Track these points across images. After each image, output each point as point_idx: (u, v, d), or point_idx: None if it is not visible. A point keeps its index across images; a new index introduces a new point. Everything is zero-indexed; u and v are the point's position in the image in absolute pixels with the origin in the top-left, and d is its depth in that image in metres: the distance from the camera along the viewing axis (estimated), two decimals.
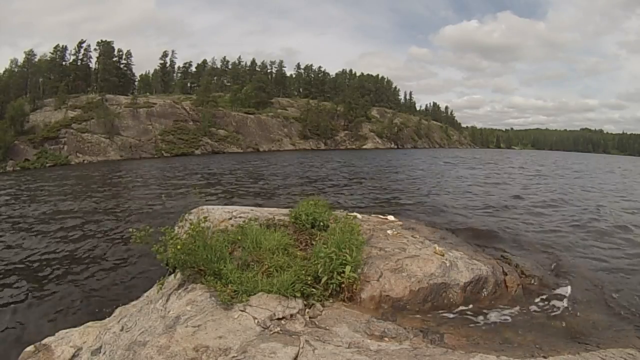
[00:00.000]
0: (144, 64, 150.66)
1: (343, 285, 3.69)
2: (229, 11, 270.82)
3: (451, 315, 3.81)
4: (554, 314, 4.01)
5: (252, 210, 5.65)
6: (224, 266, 3.69)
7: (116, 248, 8.28)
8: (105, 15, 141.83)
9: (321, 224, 4.99)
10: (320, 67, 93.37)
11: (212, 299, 3.35)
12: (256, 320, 3.06)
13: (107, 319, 4.02)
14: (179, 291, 3.68)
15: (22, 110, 44.18)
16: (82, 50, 63.28)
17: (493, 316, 3.89)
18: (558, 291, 4.59)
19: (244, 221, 4.81)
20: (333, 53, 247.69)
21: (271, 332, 2.95)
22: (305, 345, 2.76)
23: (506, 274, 4.71)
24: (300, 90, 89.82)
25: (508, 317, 3.88)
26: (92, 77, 63.62)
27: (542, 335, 3.47)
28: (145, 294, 4.41)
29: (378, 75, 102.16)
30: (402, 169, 27.35)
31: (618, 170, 32.30)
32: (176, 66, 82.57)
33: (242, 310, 3.18)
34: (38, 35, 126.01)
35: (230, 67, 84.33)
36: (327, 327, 3.16)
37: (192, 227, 3.79)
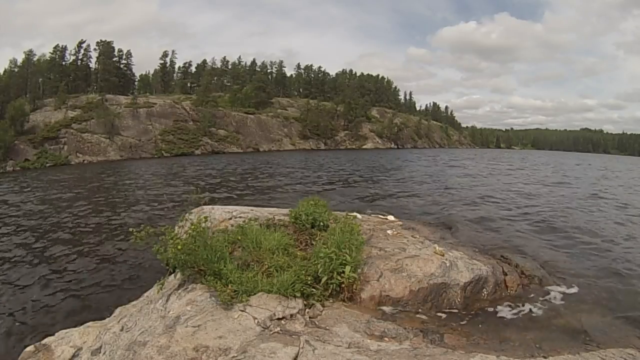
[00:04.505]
0: (144, 64, 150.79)
1: (343, 285, 3.69)
2: (230, 12, 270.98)
3: (451, 315, 3.81)
4: (554, 313, 4.00)
5: (252, 210, 5.65)
6: (224, 266, 3.68)
7: (116, 248, 8.29)
8: (108, 17, 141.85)
9: (321, 224, 4.98)
10: (320, 67, 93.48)
11: (212, 299, 3.35)
12: (256, 320, 3.06)
13: (107, 319, 4.02)
14: (179, 291, 3.68)
15: (22, 110, 44.09)
16: (82, 50, 63.28)
17: (493, 316, 3.89)
18: (558, 291, 4.59)
19: (244, 221, 4.81)
20: (333, 53, 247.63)
21: (271, 332, 2.95)
22: (305, 345, 2.76)
23: (506, 274, 4.71)
24: (300, 90, 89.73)
25: (508, 317, 3.88)
26: (92, 77, 63.58)
27: (542, 335, 3.47)
28: (145, 294, 4.41)
29: (378, 75, 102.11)
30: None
31: None
32: (176, 66, 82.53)
33: (242, 310, 3.18)
34: (41, 37, 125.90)
35: (230, 67, 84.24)
36: (327, 327, 3.16)
37: (193, 227, 3.79)
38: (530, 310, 4.05)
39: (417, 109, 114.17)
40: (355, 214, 6.16)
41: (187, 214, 5.22)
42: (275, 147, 63.40)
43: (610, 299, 4.51)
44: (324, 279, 3.64)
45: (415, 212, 9.87)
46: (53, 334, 3.69)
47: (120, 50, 68.37)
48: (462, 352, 2.86)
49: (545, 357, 2.89)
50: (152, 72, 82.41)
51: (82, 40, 63.30)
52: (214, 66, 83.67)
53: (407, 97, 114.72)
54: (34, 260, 7.71)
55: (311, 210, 5.08)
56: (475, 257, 5.00)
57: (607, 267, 5.73)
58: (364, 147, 74.09)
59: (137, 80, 76.37)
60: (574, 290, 4.68)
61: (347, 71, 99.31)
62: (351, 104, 77.49)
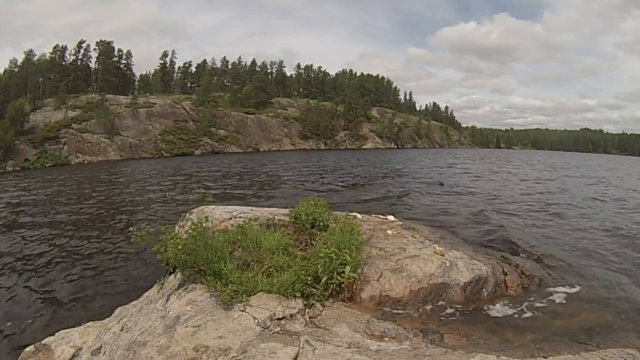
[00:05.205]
0: (144, 64, 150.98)
1: (343, 285, 3.69)
2: (230, 12, 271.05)
3: (451, 316, 3.81)
4: (554, 314, 4.00)
5: (252, 210, 5.65)
6: (224, 266, 3.68)
7: (116, 248, 8.28)
8: (108, 18, 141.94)
9: (321, 224, 4.98)
10: (320, 67, 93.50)
11: (212, 299, 3.35)
12: (256, 320, 3.05)
13: (107, 319, 4.02)
14: (179, 291, 3.68)
15: (22, 110, 44.14)
16: (82, 50, 63.32)
17: (493, 316, 3.89)
18: (558, 291, 4.59)
19: (244, 221, 4.81)
20: (333, 53, 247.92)
21: (271, 332, 2.95)
22: (305, 345, 2.76)
23: (506, 274, 4.70)
24: (300, 90, 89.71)
25: (508, 317, 3.88)
26: (92, 77, 63.62)
27: (542, 335, 3.47)
28: (145, 294, 4.41)
29: (378, 75, 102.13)
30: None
31: None
32: (176, 66, 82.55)
33: (242, 310, 3.18)
34: (41, 37, 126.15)
35: (230, 67, 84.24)
36: (327, 327, 3.16)
37: (194, 227, 3.78)
38: (530, 310, 4.05)
39: (417, 109, 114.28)
40: (355, 214, 6.16)
41: (188, 214, 5.22)
42: (275, 147, 63.40)
43: (610, 299, 4.51)
44: (324, 279, 3.64)
45: (415, 212, 9.87)
46: (53, 334, 3.68)
47: (120, 50, 68.52)
48: (462, 352, 2.86)
49: (545, 357, 2.88)
50: (152, 72, 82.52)
51: (82, 40, 63.43)
52: (214, 66, 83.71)
53: (407, 97, 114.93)
54: (34, 260, 7.71)
55: (311, 210, 5.08)
56: (475, 257, 4.99)
57: (607, 268, 5.73)
58: (364, 147, 74.09)
59: (137, 80, 76.44)
60: (574, 290, 4.68)
61: (347, 71, 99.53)
62: (351, 104, 77.49)
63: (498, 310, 4.01)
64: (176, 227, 4.84)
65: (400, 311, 3.74)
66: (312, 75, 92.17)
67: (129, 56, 70.06)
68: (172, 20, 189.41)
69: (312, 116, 71.31)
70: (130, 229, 3.91)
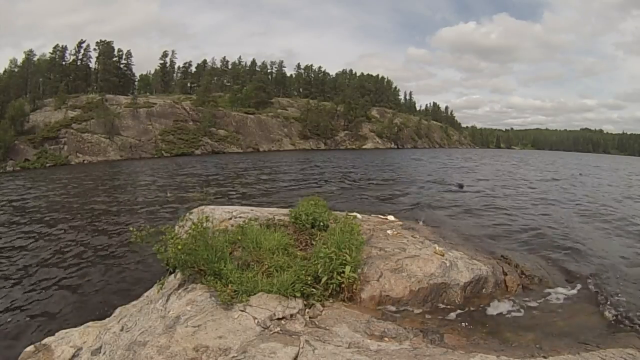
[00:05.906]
0: (144, 64, 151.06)
1: (343, 285, 3.69)
2: (230, 12, 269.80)
3: (451, 315, 3.81)
4: (553, 314, 4.01)
5: (252, 210, 5.66)
6: (224, 266, 3.68)
7: (116, 248, 8.29)
8: (109, 18, 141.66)
9: (321, 224, 4.99)
10: (320, 67, 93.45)
11: (212, 299, 3.35)
12: (256, 320, 3.06)
13: (107, 319, 4.02)
14: (179, 291, 3.68)
15: (22, 110, 44.15)
16: (82, 50, 63.36)
17: (493, 316, 3.89)
18: (558, 291, 4.59)
19: (244, 221, 4.81)
20: (333, 53, 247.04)
21: (271, 332, 2.95)
22: (305, 345, 2.76)
23: (506, 274, 4.71)
24: (300, 90, 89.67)
25: (508, 317, 3.88)
26: (92, 77, 63.62)
27: (542, 335, 3.47)
28: (145, 294, 4.41)
29: (378, 75, 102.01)
30: None
31: None
32: (176, 66, 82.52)
33: (242, 310, 3.18)
34: (42, 37, 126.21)
35: (230, 67, 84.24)
36: (327, 327, 3.16)
37: (194, 227, 3.78)
38: (530, 310, 4.06)
39: (417, 109, 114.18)
40: (355, 214, 6.16)
41: (188, 214, 5.22)
42: (275, 147, 63.40)
43: (610, 299, 4.51)
44: (324, 279, 3.64)
45: (415, 212, 9.86)
46: (53, 334, 3.68)
47: (120, 50, 68.52)
48: (462, 352, 2.86)
49: (545, 357, 2.89)
50: (152, 72, 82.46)
51: (82, 40, 63.46)
52: (214, 66, 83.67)
53: (407, 97, 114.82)
54: (33, 260, 7.71)
55: (311, 210, 5.08)
56: (475, 257, 5.00)
57: (606, 268, 5.73)
58: (364, 147, 74.08)
59: (137, 80, 76.40)
60: (574, 290, 4.68)
61: (347, 71, 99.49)
62: (351, 104, 77.45)
63: (498, 310, 4.01)
64: (176, 227, 4.84)
65: (400, 311, 3.74)
66: (312, 75, 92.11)
67: (129, 56, 70.14)
68: (172, 20, 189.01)
69: (312, 116, 71.29)
70: (131, 228, 3.91)
